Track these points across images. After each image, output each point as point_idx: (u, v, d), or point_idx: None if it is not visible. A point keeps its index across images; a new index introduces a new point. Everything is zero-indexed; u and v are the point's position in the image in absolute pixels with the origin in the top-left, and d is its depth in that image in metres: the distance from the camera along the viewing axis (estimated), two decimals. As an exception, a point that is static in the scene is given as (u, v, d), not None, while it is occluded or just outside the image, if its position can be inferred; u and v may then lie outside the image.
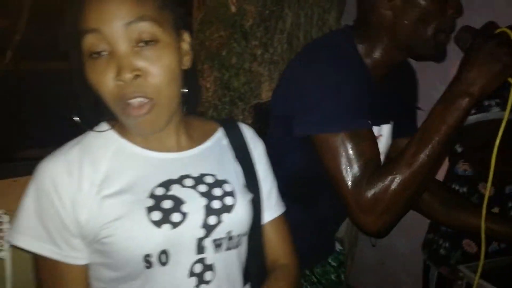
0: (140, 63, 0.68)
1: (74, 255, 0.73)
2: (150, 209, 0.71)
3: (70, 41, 0.73)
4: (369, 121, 0.92)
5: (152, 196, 0.73)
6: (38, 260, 0.75)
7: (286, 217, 0.92)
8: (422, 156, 0.82)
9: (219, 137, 0.87)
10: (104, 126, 0.80)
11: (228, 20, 1.78)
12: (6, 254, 1.05)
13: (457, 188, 1.45)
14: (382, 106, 1.00)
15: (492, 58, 0.78)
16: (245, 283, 0.84)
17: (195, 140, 0.84)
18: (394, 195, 0.82)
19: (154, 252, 0.70)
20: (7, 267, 1.06)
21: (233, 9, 1.77)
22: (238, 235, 0.79)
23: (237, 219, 0.78)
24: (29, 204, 0.73)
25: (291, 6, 1.74)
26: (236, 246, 0.79)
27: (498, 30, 0.83)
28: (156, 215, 0.71)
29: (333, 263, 1.17)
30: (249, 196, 0.82)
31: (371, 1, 0.93)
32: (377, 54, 0.96)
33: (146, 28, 0.68)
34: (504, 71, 0.79)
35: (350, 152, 0.86)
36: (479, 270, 0.96)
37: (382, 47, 0.95)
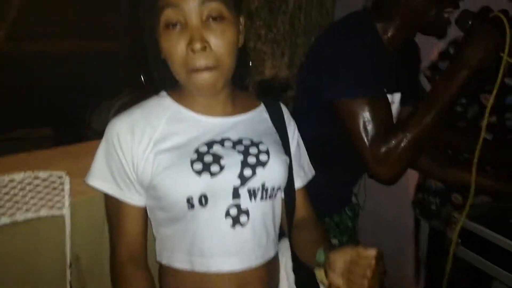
0: (209, 36, 0.82)
1: (131, 196, 0.88)
2: (193, 161, 0.85)
3: (149, 14, 0.86)
4: (385, 89, 1.09)
5: (197, 151, 0.87)
6: (106, 201, 0.91)
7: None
8: (429, 118, 1.00)
9: (261, 111, 1.01)
10: (163, 93, 0.94)
11: (234, 1, 1.90)
12: (66, 211, 1.17)
13: None
14: (394, 76, 1.17)
15: (487, 37, 0.96)
16: (280, 236, 0.99)
17: (239, 109, 0.97)
18: (404, 149, 1.01)
19: (195, 196, 0.84)
20: (66, 223, 1.18)
21: (240, -9, 1.90)
22: (273, 188, 0.92)
23: (269, 173, 0.91)
24: (100, 153, 0.89)
25: (293, -11, 1.89)
26: (270, 197, 0.93)
27: (493, 14, 1.02)
28: (198, 166, 0.85)
29: (349, 213, 1.35)
30: (283, 157, 0.96)
31: None
32: (392, 31, 1.12)
33: (215, 6, 0.82)
34: (497, 48, 0.98)
35: (368, 115, 1.02)
36: (465, 211, 1.18)
37: (396, 25, 1.11)
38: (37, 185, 1.13)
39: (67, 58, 3.89)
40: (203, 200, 0.85)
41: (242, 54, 0.92)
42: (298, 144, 1.05)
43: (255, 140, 0.93)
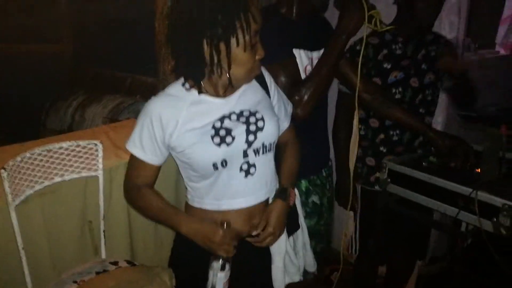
0: None
1: (152, 158, 1.21)
2: (213, 137, 1.19)
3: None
4: (294, 54, 1.51)
5: (213, 127, 1.20)
6: (131, 157, 1.23)
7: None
8: (323, 71, 1.47)
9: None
10: (183, 83, 1.21)
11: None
12: (100, 172, 1.44)
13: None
14: (310, 40, 1.60)
15: (353, 11, 1.45)
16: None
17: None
18: (311, 94, 1.46)
19: (218, 161, 1.20)
20: (100, 181, 1.44)
21: None
22: (270, 144, 1.28)
23: (266, 135, 1.26)
24: (138, 125, 1.19)
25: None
26: (269, 151, 1.29)
27: None
28: (217, 140, 1.19)
29: (324, 173, 1.74)
30: (275, 118, 1.31)
31: None
32: (294, 11, 1.54)
33: None
34: (360, 18, 1.45)
35: (282, 74, 1.48)
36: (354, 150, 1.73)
37: (293, 6, 1.54)
38: (79, 151, 1.41)
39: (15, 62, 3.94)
40: (224, 163, 1.19)
41: None
42: (276, 92, 1.40)
43: (253, 110, 1.26)
